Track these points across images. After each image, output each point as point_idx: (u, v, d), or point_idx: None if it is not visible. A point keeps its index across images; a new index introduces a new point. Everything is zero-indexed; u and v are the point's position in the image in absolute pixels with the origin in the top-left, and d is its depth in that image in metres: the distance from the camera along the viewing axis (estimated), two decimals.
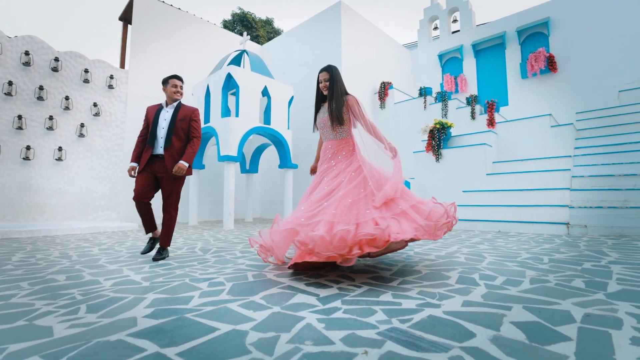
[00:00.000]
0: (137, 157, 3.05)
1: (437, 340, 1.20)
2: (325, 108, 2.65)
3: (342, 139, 2.63)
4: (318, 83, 2.65)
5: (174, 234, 5.02)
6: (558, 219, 4.63)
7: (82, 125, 6.50)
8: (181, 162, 2.96)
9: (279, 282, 2.11)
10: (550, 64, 8.13)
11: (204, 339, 1.25)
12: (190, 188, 7.40)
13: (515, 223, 4.93)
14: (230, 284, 2.08)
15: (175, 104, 3.11)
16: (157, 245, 3.16)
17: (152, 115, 3.05)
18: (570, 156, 5.55)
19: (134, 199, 2.95)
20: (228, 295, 1.83)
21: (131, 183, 6.80)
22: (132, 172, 3.03)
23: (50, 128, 6.12)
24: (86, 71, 6.58)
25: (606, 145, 5.71)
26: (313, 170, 2.90)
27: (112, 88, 6.93)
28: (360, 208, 2.23)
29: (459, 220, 5.38)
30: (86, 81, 6.58)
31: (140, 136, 3.10)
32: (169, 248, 3.24)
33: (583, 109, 7.55)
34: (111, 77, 6.91)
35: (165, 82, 3.12)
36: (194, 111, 3.15)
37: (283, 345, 1.18)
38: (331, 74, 2.57)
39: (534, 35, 8.70)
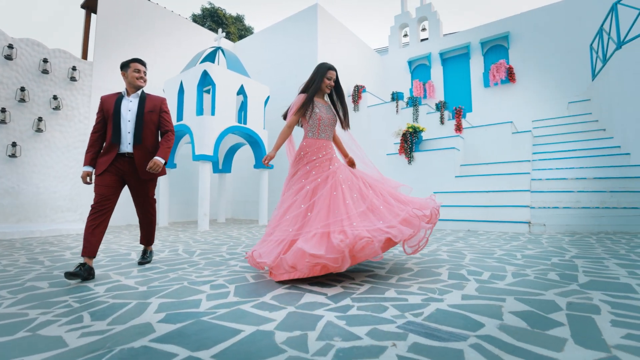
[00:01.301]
0: (92, 159, 2.52)
1: (453, 331, 1.31)
2: (325, 106, 2.62)
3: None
4: (323, 78, 2.56)
5: None
6: (520, 218, 5.06)
7: (39, 119, 5.98)
8: (157, 157, 2.59)
9: (282, 283, 2.14)
10: (510, 75, 8.83)
11: (233, 340, 1.26)
12: (161, 188, 7.09)
13: (483, 222, 5.31)
14: (232, 286, 2.07)
15: (138, 92, 2.67)
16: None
17: (112, 107, 2.54)
18: (529, 160, 6.08)
19: (95, 203, 2.39)
20: (236, 297, 1.83)
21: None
22: (88, 179, 2.50)
23: (2, 121, 5.56)
24: (45, 61, 6.07)
25: (559, 151, 6.33)
26: (269, 159, 2.41)
27: (75, 80, 6.45)
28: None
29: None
30: (45, 72, 6.06)
31: (95, 132, 2.55)
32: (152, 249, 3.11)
33: (538, 118, 8.28)
34: (74, 68, 6.42)
35: (125, 65, 2.62)
36: (163, 101, 2.77)
37: (314, 343, 1.23)
38: (337, 74, 2.62)
39: (495, 48, 9.38)
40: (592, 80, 7.33)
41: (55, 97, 6.18)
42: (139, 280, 2.26)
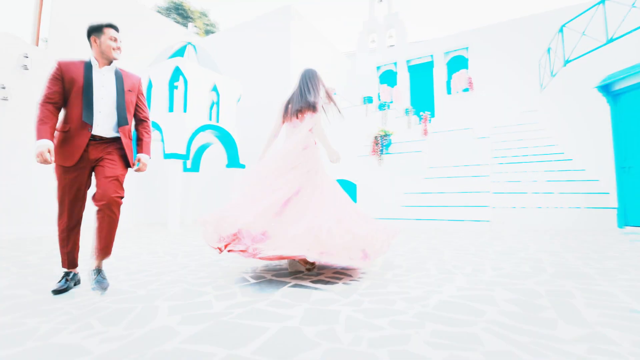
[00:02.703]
0: (50, 132, 1.91)
1: (462, 318, 1.46)
2: None
3: None
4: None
5: (117, 239, 4.52)
6: (482, 217, 5.51)
7: None
8: (143, 155, 2.25)
9: (284, 282, 2.18)
10: (470, 84, 9.54)
11: (264, 337, 1.30)
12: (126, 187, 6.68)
13: (450, 221, 5.70)
14: (236, 287, 2.08)
15: (112, 66, 2.16)
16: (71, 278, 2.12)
17: (80, 78, 2.02)
18: (489, 164, 6.63)
19: (67, 222, 2.04)
20: (246, 297, 1.85)
21: (51, 180, 5.76)
22: (50, 156, 1.86)
23: None
24: None
25: (514, 156, 6.98)
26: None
27: (27, 69, 5.88)
28: None
29: (403, 219, 5.99)
30: None
31: (50, 102, 1.94)
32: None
33: (495, 125, 9.04)
34: (26, 56, 5.86)
35: (96, 30, 2.07)
36: (139, 80, 2.34)
37: (344, 335, 1.31)
38: None
39: (457, 58, 10.09)
40: (540, 92, 8.16)
41: (3, 87, 5.59)
42: (133, 283, 2.18)
